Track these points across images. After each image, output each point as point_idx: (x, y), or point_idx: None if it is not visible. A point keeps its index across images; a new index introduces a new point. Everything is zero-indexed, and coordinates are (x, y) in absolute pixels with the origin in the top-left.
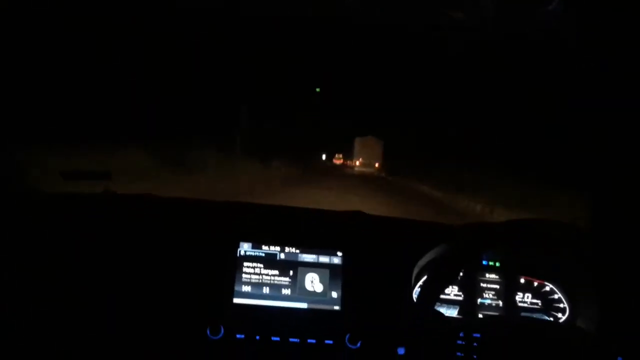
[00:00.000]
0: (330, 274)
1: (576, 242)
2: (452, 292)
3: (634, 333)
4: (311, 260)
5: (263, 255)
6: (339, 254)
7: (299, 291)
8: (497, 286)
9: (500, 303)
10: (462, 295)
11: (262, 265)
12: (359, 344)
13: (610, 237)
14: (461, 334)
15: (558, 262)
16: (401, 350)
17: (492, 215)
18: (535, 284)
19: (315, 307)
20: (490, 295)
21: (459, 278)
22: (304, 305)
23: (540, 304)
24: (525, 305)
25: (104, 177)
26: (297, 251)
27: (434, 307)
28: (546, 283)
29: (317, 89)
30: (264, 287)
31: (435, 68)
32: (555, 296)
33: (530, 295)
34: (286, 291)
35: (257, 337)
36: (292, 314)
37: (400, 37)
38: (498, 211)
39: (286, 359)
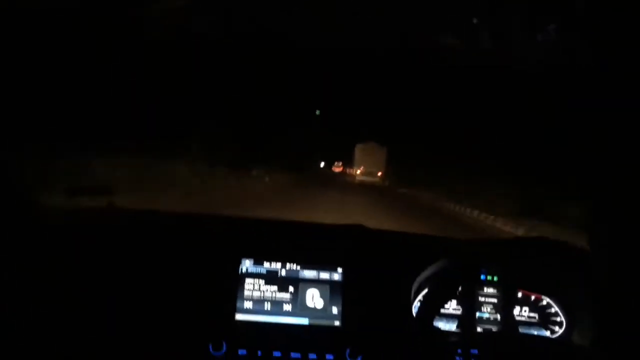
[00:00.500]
0: (331, 289)
1: (575, 260)
2: (451, 306)
3: (629, 348)
4: (312, 277)
5: (265, 271)
6: (339, 269)
7: (300, 307)
8: (495, 300)
9: (498, 317)
10: (461, 309)
11: (263, 282)
12: (359, 359)
13: (608, 250)
14: (459, 351)
15: (556, 277)
16: None
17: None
18: (533, 298)
19: (316, 322)
20: (489, 309)
21: (458, 293)
22: (305, 321)
23: (537, 318)
24: (523, 319)
25: (105, 192)
26: (298, 267)
27: (433, 322)
28: (543, 297)
29: (317, 112)
30: (266, 303)
31: (436, 71)
32: (552, 310)
33: (527, 309)
34: (287, 307)
35: (259, 353)
36: (294, 329)
37: (402, 50)
38: None
39: None
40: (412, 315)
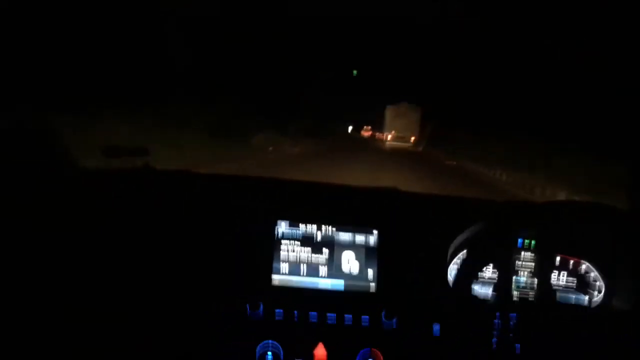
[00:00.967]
0: (366, 252)
1: (614, 223)
2: (488, 270)
3: None
4: (347, 240)
5: (300, 234)
6: (375, 232)
7: (336, 270)
8: (532, 265)
9: (535, 282)
10: (497, 274)
11: (299, 244)
12: (394, 321)
13: None
14: (497, 314)
15: (595, 241)
16: (436, 328)
17: None
18: (571, 262)
19: (352, 285)
20: (525, 274)
21: (494, 257)
22: (340, 284)
23: (575, 283)
24: (561, 284)
25: (142, 153)
26: (334, 230)
27: (470, 286)
28: (582, 261)
29: (354, 72)
30: (302, 266)
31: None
32: (592, 274)
33: (565, 274)
34: (323, 270)
35: (296, 313)
36: (329, 292)
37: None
38: None
39: (324, 336)
40: (448, 279)
